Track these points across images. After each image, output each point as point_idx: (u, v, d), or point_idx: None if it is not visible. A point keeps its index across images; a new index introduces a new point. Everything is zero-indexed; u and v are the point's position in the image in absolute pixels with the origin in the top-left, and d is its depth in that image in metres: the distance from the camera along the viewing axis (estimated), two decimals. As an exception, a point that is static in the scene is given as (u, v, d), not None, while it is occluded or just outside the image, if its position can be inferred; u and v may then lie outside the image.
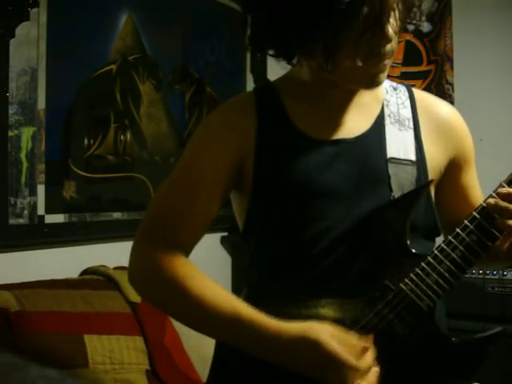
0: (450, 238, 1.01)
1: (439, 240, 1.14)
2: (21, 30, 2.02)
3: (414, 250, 1.03)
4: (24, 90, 2.05)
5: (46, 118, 2.12)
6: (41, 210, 2.11)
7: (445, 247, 1.00)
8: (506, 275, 2.37)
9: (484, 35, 2.88)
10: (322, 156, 1.06)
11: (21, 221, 2.04)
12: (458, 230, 1.01)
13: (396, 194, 1.06)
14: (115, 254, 2.18)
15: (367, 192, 1.06)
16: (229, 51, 3.05)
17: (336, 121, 1.09)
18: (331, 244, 1.04)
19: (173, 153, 2.68)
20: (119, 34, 2.43)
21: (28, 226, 2.06)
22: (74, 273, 2.23)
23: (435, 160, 1.12)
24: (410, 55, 2.96)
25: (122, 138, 2.45)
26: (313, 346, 0.93)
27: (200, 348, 2.23)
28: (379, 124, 1.11)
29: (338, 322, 0.98)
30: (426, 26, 2.96)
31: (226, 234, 2.98)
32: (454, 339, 1.03)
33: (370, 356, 0.95)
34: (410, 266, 1.01)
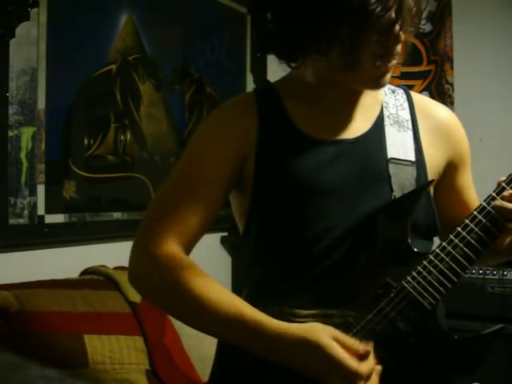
0: (451, 236, 1.02)
1: (437, 239, 1.15)
2: (21, 30, 2.02)
3: (415, 249, 1.04)
4: (24, 90, 2.05)
5: (46, 118, 2.12)
6: (41, 210, 2.11)
7: (446, 245, 1.02)
8: (505, 275, 2.37)
9: (484, 35, 2.88)
10: (322, 156, 1.07)
11: (21, 221, 2.04)
12: (458, 228, 1.02)
13: (396, 193, 1.07)
14: (115, 254, 2.18)
15: (368, 192, 1.07)
16: (229, 51, 3.05)
17: (336, 121, 1.10)
18: (332, 243, 1.05)
19: (173, 153, 2.68)
20: (119, 34, 2.43)
21: (28, 225, 2.06)
22: (74, 273, 2.22)
23: (434, 161, 1.14)
24: (410, 55, 2.96)
25: (122, 138, 2.45)
26: (314, 349, 0.93)
27: (200, 348, 2.23)
28: (379, 125, 1.12)
29: (340, 320, 0.99)
30: (426, 26, 2.96)
31: (225, 234, 2.98)
32: (455, 336, 1.03)
33: (371, 360, 0.96)
34: (412, 264, 1.02)
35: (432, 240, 1.15)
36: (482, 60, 2.87)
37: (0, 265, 1.99)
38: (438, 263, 1.01)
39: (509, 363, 2.21)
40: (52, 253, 2.18)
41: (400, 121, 1.13)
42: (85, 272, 2.26)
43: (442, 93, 2.91)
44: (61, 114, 2.19)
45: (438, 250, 1.02)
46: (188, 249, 1.06)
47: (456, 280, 1.01)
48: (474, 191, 1.22)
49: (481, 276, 2.38)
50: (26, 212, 2.06)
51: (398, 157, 1.09)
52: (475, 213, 1.02)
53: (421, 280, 1.01)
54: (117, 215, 2.44)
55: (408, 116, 1.15)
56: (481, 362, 1.03)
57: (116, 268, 2.25)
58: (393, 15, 0.94)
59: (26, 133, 2.06)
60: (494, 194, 1.03)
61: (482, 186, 1.22)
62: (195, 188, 1.06)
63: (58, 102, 2.17)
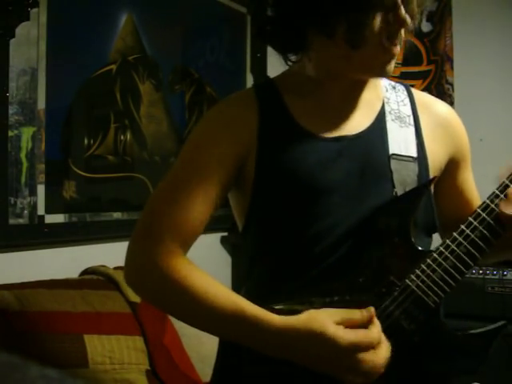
0: (454, 234, 1.02)
1: (436, 236, 1.15)
2: (21, 30, 2.02)
3: (419, 248, 1.04)
4: (24, 90, 2.05)
5: (46, 118, 2.12)
6: (41, 210, 2.11)
7: (450, 243, 1.02)
8: (505, 275, 2.37)
9: (484, 35, 2.88)
10: (324, 153, 1.06)
11: (21, 221, 2.04)
12: (462, 226, 1.02)
13: (398, 190, 1.06)
14: (115, 254, 2.17)
15: (370, 188, 1.06)
16: (229, 51, 3.05)
17: (338, 117, 1.09)
18: (335, 241, 1.04)
19: (173, 153, 2.67)
20: (119, 34, 2.43)
21: (28, 226, 2.06)
22: (74, 273, 2.22)
23: (436, 157, 1.13)
24: (410, 55, 2.96)
25: (122, 138, 2.45)
26: (321, 339, 0.91)
27: (200, 348, 2.23)
28: (380, 120, 1.11)
29: None
30: (426, 26, 2.96)
31: (225, 233, 2.98)
32: (459, 333, 1.04)
33: (377, 326, 0.94)
34: (416, 263, 1.02)
35: (431, 237, 1.14)
36: (482, 60, 2.87)
37: (0, 265, 1.99)
38: (443, 261, 1.01)
39: (509, 363, 2.21)
40: (52, 253, 2.18)
41: (401, 116, 1.12)
42: (85, 272, 2.26)
43: (442, 93, 2.91)
44: (61, 114, 2.19)
45: (442, 248, 1.02)
46: (185, 248, 1.05)
47: (460, 278, 1.01)
48: (475, 188, 1.22)
49: (481, 276, 2.38)
50: (25, 212, 2.06)
51: (399, 153, 1.09)
52: (479, 210, 1.02)
53: (425, 278, 1.01)
54: (117, 215, 2.44)
55: (409, 112, 1.14)
56: (483, 359, 1.03)
57: (116, 268, 2.25)
58: None
59: (26, 133, 2.06)
60: (498, 192, 1.03)
61: (483, 185, 1.22)
62: (195, 186, 1.04)
63: (58, 101, 2.17)
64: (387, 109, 1.12)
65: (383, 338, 0.95)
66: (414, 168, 1.09)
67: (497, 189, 1.03)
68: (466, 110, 2.64)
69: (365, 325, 0.93)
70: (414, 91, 1.19)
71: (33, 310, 1.84)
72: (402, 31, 1.01)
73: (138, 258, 1.03)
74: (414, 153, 1.10)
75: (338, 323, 0.92)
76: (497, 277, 2.37)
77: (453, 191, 1.18)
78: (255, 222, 1.09)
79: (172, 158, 2.67)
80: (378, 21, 0.96)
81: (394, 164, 1.07)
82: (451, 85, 2.93)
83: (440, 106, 1.18)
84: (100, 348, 1.90)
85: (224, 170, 1.05)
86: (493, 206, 1.02)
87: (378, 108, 1.12)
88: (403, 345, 1.00)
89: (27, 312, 1.82)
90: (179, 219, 1.03)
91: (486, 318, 2.20)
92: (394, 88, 1.17)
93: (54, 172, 2.15)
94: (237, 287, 1.12)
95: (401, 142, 1.10)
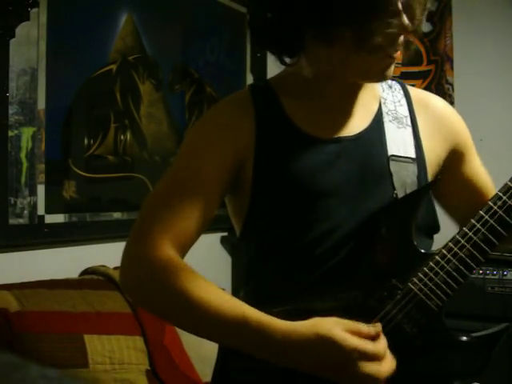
0: (457, 236, 1.01)
1: (437, 237, 1.15)
2: (21, 30, 2.03)
3: (422, 250, 1.02)
4: (24, 90, 2.05)
5: (45, 118, 2.12)
6: (41, 210, 2.11)
7: (452, 246, 1.00)
8: (505, 275, 2.37)
9: (484, 35, 2.88)
10: (323, 155, 1.04)
11: (21, 221, 2.04)
12: (465, 229, 1.01)
13: (398, 192, 1.05)
14: (115, 254, 2.15)
15: (370, 191, 1.05)
16: (229, 51, 3.05)
17: (335, 118, 1.08)
18: (335, 245, 1.02)
19: (173, 153, 2.67)
20: (119, 34, 2.43)
21: (28, 226, 2.06)
22: (74, 273, 2.22)
23: (434, 155, 1.11)
24: (410, 55, 2.96)
25: (122, 138, 2.45)
26: (327, 343, 0.89)
27: (200, 348, 2.23)
28: (378, 121, 1.09)
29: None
30: (426, 26, 2.96)
31: (225, 234, 2.98)
32: (462, 337, 1.03)
33: (383, 340, 0.93)
34: (418, 265, 1.00)
35: (432, 238, 1.13)
36: (481, 60, 2.87)
37: (0, 265, 1.99)
38: (445, 264, 1.00)
39: (509, 363, 2.21)
40: (52, 253, 2.18)
41: (399, 117, 1.11)
42: (85, 272, 2.26)
43: (442, 93, 2.91)
44: (61, 114, 2.19)
45: (444, 251, 1.00)
46: (183, 252, 1.02)
47: (463, 281, 1.00)
48: (486, 174, 1.18)
49: (481, 276, 2.38)
50: (26, 212, 2.06)
51: (398, 154, 1.07)
52: (481, 213, 1.01)
53: (427, 282, 0.99)
54: (117, 215, 2.44)
55: (406, 112, 1.12)
56: (487, 362, 1.02)
57: (116, 268, 2.25)
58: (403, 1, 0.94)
59: (26, 133, 2.06)
60: (501, 194, 1.01)
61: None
62: (192, 188, 1.02)
63: (58, 101, 2.17)
64: (384, 109, 1.11)
65: (389, 354, 0.93)
66: (413, 169, 1.07)
67: (500, 191, 1.02)
68: (466, 110, 2.63)
69: (371, 338, 0.91)
70: (410, 89, 1.17)
71: (33, 309, 1.84)
72: (402, 36, 0.99)
73: (134, 264, 1.00)
74: (412, 154, 1.08)
75: (345, 330, 0.90)
76: (497, 277, 2.37)
77: (464, 183, 1.16)
78: (254, 226, 1.07)
79: (172, 158, 2.67)
80: (379, 28, 0.94)
81: (393, 166, 1.06)
82: (451, 85, 2.93)
83: (436, 101, 1.17)
84: (100, 348, 1.90)
85: (220, 174, 1.03)
86: (495, 207, 1.01)
87: (375, 109, 1.11)
88: (405, 348, 0.99)
89: (27, 312, 1.82)
90: (175, 224, 1.00)
91: (486, 318, 2.21)
92: (391, 87, 1.15)
93: (53, 172, 2.15)
94: (237, 287, 1.11)
95: (399, 143, 1.08)
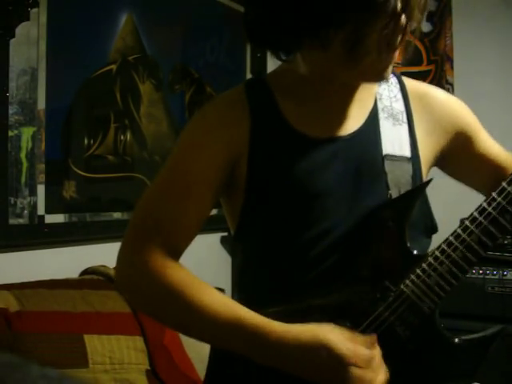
0: (450, 238, 1.00)
1: (437, 237, 1.14)
2: (21, 30, 2.03)
3: (415, 252, 1.01)
4: (24, 90, 2.05)
5: (45, 118, 2.12)
6: (41, 210, 2.11)
7: (445, 248, 0.99)
8: (505, 275, 2.37)
9: (484, 35, 2.88)
10: (319, 156, 1.02)
11: (21, 221, 2.04)
12: (459, 230, 1.00)
13: (393, 191, 1.04)
14: (115, 254, 2.16)
15: (364, 191, 1.03)
16: (229, 51, 3.05)
17: (331, 117, 1.06)
18: (330, 246, 1.01)
19: (173, 153, 2.67)
20: (119, 34, 2.43)
21: (28, 226, 2.06)
22: (74, 273, 2.23)
23: (430, 151, 1.10)
24: (410, 55, 2.96)
25: (122, 137, 2.45)
26: (322, 347, 0.89)
27: (200, 348, 2.22)
28: (373, 119, 1.08)
29: (338, 324, 0.95)
30: (425, 26, 2.96)
31: (225, 234, 2.98)
32: (455, 339, 1.02)
33: (378, 353, 0.93)
34: (411, 267, 0.99)
35: (430, 238, 1.12)
36: (482, 60, 2.87)
37: (0, 265, 1.99)
38: (438, 266, 0.99)
39: (509, 363, 2.21)
40: (52, 253, 2.18)
41: (394, 113, 1.09)
42: (85, 272, 2.26)
43: (442, 93, 2.91)
44: (61, 114, 2.20)
45: (437, 253, 0.99)
46: (179, 253, 1.01)
47: (455, 283, 0.99)
48: (495, 145, 1.18)
49: (481, 276, 2.38)
50: (26, 212, 2.06)
51: (393, 153, 1.06)
52: (475, 214, 1.00)
53: (420, 284, 0.99)
54: (117, 215, 2.44)
55: (402, 107, 1.10)
56: (480, 365, 1.01)
57: (116, 268, 2.25)
58: (401, 4, 0.91)
59: (26, 133, 2.06)
60: (495, 195, 1.01)
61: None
62: (186, 189, 1.01)
63: (58, 101, 2.17)
64: (380, 106, 1.09)
65: (384, 365, 0.93)
66: (408, 168, 1.06)
67: (494, 191, 1.01)
68: (465, 110, 2.64)
69: (367, 347, 0.91)
70: (407, 82, 1.14)
71: (33, 309, 1.84)
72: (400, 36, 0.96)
73: (129, 267, 1.00)
74: (407, 153, 1.07)
75: (342, 337, 0.91)
76: (497, 277, 2.37)
77: (479, 159, 1.15)
78: (249, 226, 1.06)
79: (172, 157, 2.67)
80: (377, 29, 0.91)
81: (387, 165, 1.05)
82: (451, 85, 2.93)
83: (434, 91, 1.14)
84: (100, 348, 1.91)
85: (214, 173, 1.01)
86: (489, 209, 1.00)
87: (371, 106, 1.09)
88: (398, 351, 0.99)
89: (27, 312, 1.82)
90: (171, 224, 1.00)
91: (486, 318, 2.21)
92: (386, 81, 1.11)
93: (53, 172, 2.15)
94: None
95: (394, 141, 1.07)
